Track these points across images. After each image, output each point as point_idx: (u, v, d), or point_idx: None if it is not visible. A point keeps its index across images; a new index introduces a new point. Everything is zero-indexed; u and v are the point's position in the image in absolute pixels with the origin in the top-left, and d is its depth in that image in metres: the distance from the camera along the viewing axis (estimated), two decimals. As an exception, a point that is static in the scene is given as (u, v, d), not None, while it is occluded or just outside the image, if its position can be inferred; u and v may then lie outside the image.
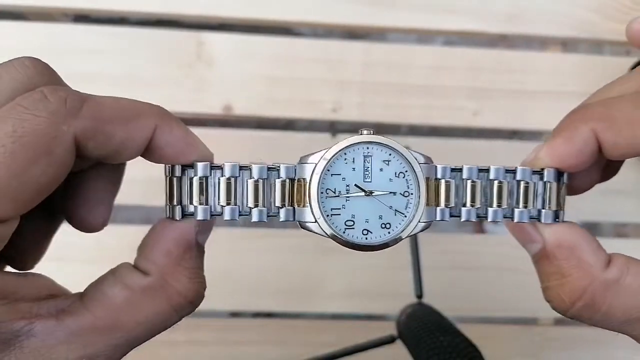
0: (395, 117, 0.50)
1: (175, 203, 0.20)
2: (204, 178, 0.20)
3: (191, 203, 0.20)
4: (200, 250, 0.21)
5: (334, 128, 0.61)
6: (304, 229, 0.20)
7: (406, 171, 0.20)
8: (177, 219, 0.20)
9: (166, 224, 0.20)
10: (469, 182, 0.20)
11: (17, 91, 0.18)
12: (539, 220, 0.21)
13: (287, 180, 0.20)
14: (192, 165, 0.20)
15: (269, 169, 0.20)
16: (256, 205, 0.20)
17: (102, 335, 0.18)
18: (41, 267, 0.51)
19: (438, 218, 0.20)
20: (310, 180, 0.20)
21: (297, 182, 0.20)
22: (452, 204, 0.20)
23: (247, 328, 0.47)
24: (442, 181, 0.20)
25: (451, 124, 0.51)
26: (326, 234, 0.20)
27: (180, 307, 0.19)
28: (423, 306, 0.39)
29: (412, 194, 0.20)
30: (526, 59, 0.52)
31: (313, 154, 0.20)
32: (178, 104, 0.48)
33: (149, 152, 0.19)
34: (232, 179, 0.20)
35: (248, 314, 0.56)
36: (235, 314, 0.56)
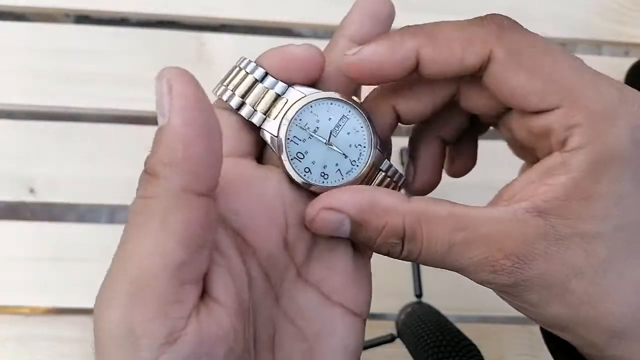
0: (395, 118, 0.50)
1: None
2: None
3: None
4: None
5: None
6: (262, 137, 0.22)
7: (361, 127, 0.22)
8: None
9: None
10: None
11: None
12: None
13: (274, 94, 0.21)
14: None
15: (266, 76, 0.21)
16: (243, 100, 0.21)
17: None
18: (39, 267, 0.51)
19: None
20: (293, 103, 0.21)
21: (281, 98, 0.21)
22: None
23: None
24: (381, 173, 0.23)
25: (451, 124, 0.51)
26: (277, 152, 0.21)
27: None
28: (422, 305, 0.39)
29: (357, 166, 0.22)
30: (525, 60, 0.52)
31: (307, 86, 0.22)
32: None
33: None
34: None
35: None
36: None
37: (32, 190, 0.46)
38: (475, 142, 0.27)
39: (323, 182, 0.21)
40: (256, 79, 0.21)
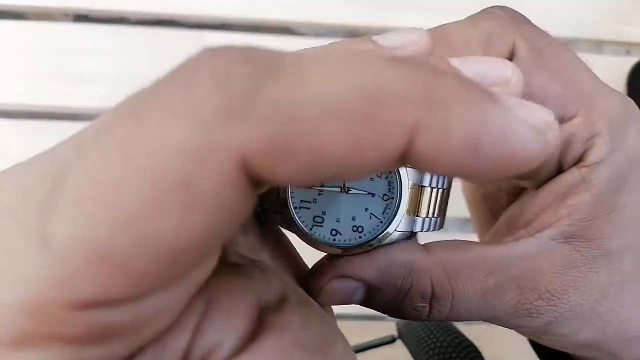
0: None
1: None
2: None
3: None
4: None
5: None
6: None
7: (390, 172, 0.17)
8: None
9: None
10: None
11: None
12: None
13: None
14: None
15: None
16: None
17: None
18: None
19: (417, 229, 0.18)
20: None
21: None
22: (435, 215, 0.18)
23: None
24: (427, 189, 0.17)
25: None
26: (289, 226, 0.17)
27: None
28: (423, 306, 0.39)
29: (392, 198, 0.17)
30: (526, 59, 0.52)
31: None
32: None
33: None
34: None
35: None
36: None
37: (31, 191, 0.46)
38: None
39: (360, 237, 0.17)
40: None
